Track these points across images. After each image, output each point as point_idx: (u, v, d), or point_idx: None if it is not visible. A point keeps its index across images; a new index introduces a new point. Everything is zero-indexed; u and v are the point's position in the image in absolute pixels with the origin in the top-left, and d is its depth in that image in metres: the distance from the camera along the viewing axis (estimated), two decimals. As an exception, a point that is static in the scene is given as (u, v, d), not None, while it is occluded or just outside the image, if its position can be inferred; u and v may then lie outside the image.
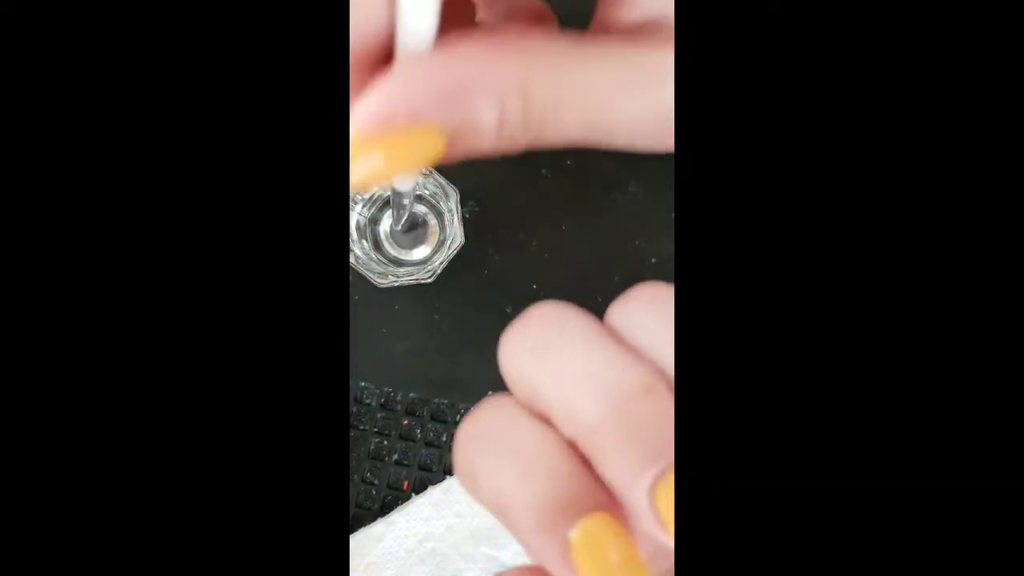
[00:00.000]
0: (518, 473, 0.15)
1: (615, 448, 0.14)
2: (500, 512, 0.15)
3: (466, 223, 0.37)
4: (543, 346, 0.15)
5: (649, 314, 0.15)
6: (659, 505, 0.13)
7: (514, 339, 0.16)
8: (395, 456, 0.38)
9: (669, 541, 0.13)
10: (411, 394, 0.39)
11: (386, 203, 0.38)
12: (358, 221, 0.38)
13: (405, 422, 0.38)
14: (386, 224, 0.38)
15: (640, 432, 0.14)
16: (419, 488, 0.38)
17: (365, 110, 0.13)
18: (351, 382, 0.38)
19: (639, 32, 0.15)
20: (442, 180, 0.36)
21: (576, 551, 0.14)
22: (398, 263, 0.38)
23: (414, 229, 0.35)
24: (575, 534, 0.14)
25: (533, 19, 0.17)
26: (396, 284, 0.36)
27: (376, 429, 0.38)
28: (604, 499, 0.14)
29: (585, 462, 0.15)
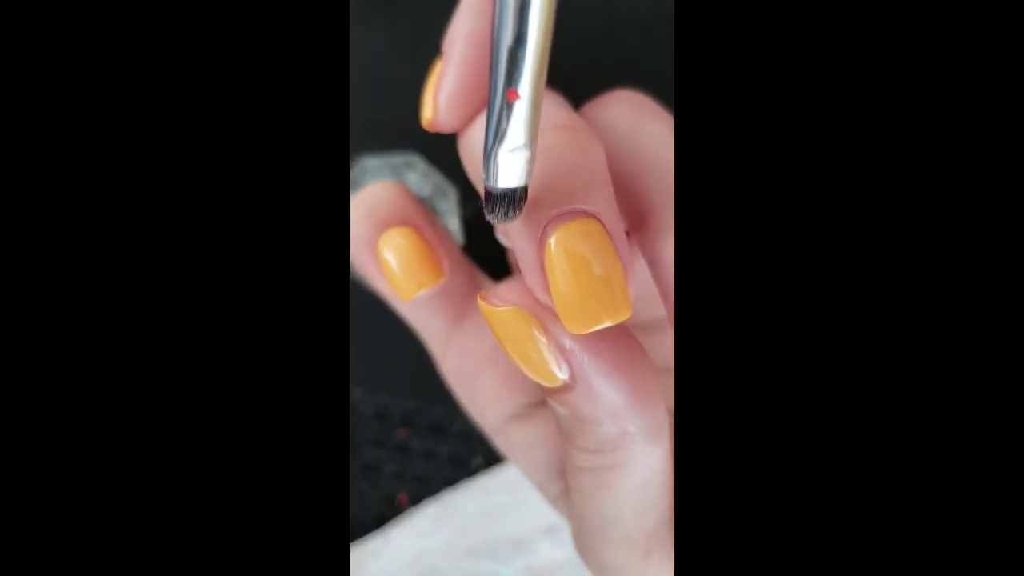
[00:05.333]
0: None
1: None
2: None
3: (467, 224, 0.35)
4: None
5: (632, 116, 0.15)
6: (549, 251, 0.12)
7: None
8: (391, 468, 0.37)
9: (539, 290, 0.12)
10: (408, 402, 0.37)
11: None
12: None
13: (401, 431, 0.37)
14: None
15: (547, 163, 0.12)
16: (416, 501, 0.36)
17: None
18: (345, 391, 0.37)
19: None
20: (440, 179, 0.34)
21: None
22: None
23: None
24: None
25: None
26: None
27: (371, 439, 0.37)
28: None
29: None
